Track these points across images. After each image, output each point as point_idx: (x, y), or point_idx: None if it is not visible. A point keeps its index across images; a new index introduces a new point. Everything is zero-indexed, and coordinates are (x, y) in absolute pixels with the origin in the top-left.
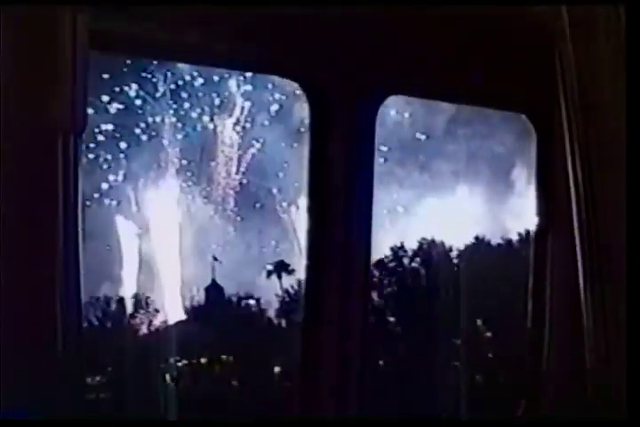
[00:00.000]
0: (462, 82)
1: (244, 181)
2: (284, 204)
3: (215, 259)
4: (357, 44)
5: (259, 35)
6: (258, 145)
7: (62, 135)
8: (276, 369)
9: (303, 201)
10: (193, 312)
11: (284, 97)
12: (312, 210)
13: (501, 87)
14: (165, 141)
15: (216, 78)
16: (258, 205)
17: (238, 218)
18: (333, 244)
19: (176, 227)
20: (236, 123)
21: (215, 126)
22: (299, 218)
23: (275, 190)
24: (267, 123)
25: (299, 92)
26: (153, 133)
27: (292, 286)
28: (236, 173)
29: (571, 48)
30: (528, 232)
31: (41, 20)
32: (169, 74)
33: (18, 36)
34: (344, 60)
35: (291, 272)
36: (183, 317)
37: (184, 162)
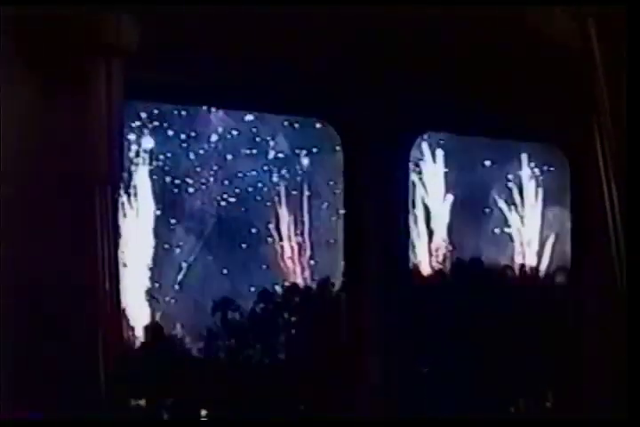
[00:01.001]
0: (496, 116)
1: None
2: None
3: None
4: (389, 83)
5: (290, 76)
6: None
7: (99, 185)
8: None
9: None
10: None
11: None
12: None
13: (536, 119)
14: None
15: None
16: None
17: None
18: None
19: None
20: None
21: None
22: None
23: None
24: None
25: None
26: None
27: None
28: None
29: (602, 75)
30: None
31: (74, 68)
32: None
33: (52, 83)
34: (375, 99)
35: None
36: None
37: None
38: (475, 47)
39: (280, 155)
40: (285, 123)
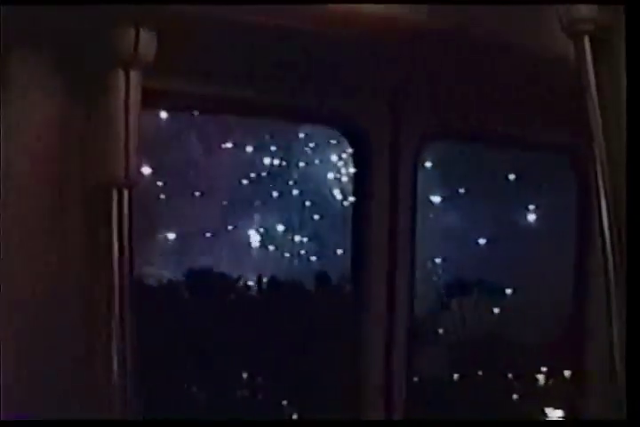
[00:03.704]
0: (507, 127)
1: None
2: None
3: None
4: (398, 89)
5: (303, 87)
6: None
7: (117, 191)
8: None
9: None
10: None
11: None
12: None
13: (548, 131)
14: None
15: None
16: None
17: None
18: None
19: None
20: None
21: None
22: None
23: None
24: None
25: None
26: None
27: None
28: None
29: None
30: None
31: (94, 76)
32: None
33: (71, 92)
34: (385, 105)
35: None
36: None
37: None
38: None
39: None
40: None
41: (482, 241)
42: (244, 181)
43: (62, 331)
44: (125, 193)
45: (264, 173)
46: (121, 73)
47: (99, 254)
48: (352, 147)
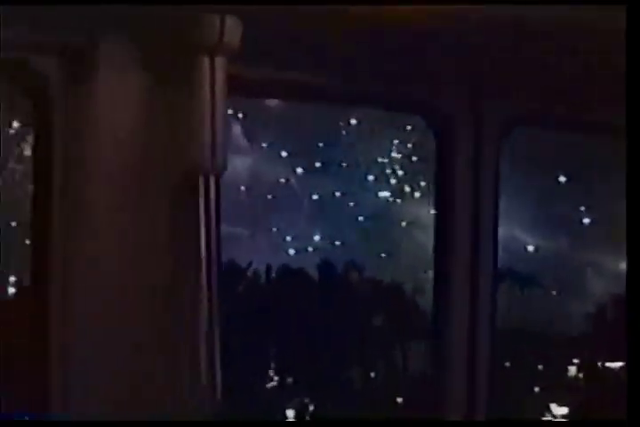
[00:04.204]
0: (590, 113)
1: None
2: None
3: None
4: (483, 75)
5: (385, 72)
6: None
7: (203, 176)
8: None
9: None
10: None
11: None
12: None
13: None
14: None
15: None
16: None
17: None
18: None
19: None
20: None
21: None
22: None
23: None
24: None
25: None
26: None
27: None
28: None
29: None
30: None
31: (180, 64)
32: None
33: (158, 80)
34: (470, 91)
35: None
36: None
37: None
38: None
39: None
40: None
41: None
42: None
43: (149, 318)
44: (212, 179)
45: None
46: (206, 60)
47: (186, 241)
48: (435, 133)
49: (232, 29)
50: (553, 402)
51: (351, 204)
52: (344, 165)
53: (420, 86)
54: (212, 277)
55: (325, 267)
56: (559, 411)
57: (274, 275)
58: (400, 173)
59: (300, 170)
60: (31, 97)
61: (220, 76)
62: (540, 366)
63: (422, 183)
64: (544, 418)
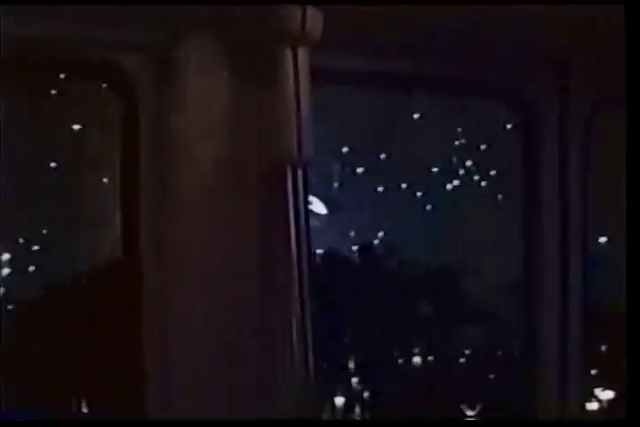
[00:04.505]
0: None
1: None
2: None
3: None
4: (565, 60)
5: (468, 59)
6: None
7: (291, 167)
8: None
9: None
10: None
11: None
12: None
13: None
14: None
15: None
16: None
17: None
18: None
19: None
20: None
21: None
22: None
23: None
24: None
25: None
26: None
27: None
28: None
29: None
30: None
31: (263, 57)
32: None
33: (242, 74)
34: (553, 76)
35: None
36: None
37: None
38: None
39: None
40: None
41: None
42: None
43: (241, 313)
44: (300, 171)
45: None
46: (289, 52)
47: (275, 234)
48: (520, 120)
49: (313, 19)
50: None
51: (418, 194)
52: (409, 155)
53: (502, 72)
54: (302, 271)
55: (390, 258)
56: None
57: (339, 267)
58: (468, 162)
59: (363, 163)
60: (119, 96)
61: (303, 68)
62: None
63: (492, 172)
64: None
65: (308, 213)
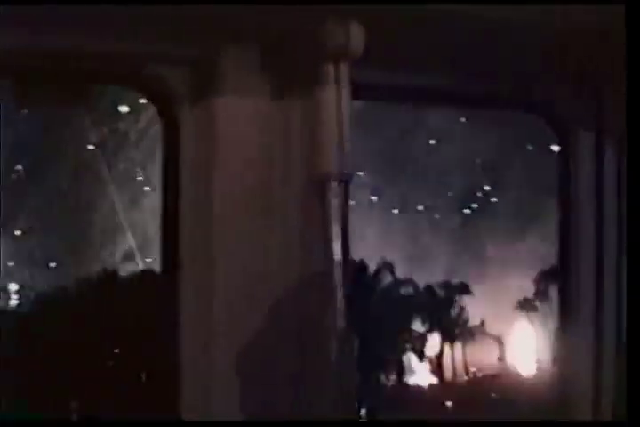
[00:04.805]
0: None
1: None
2: None
3: None
4: (602, 75)
5: (502, 72)
6: None
7: (334, 182)
8: None
9: None
10: None
11: None
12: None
13: None
14: None
15: None
16: None
17: None
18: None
19: None
20: None
21: None
22: None
23: None
24: None
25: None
26: None
27: None
28: None
29: None
30: None
31: (305, 72)
32: None
33: (284, 89)
34: (590, 91)
35: None
36: None
37: None
38: None
39: None
40: None
41: None
42: None
43: (281, 331)
44: (341, 187)
45: None
46: (332, 67)
47: (317, 251)
48: (556, 135)
49: (357, 35)
50: None
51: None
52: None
53: (538, 86)
54: (343, 287)
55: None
56: None
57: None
58: (486, 187)
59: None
60: (160, 110)
61: (344, 83)
62: None
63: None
64: None
65: (347, 229)
